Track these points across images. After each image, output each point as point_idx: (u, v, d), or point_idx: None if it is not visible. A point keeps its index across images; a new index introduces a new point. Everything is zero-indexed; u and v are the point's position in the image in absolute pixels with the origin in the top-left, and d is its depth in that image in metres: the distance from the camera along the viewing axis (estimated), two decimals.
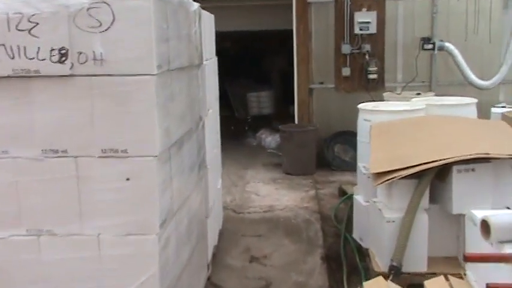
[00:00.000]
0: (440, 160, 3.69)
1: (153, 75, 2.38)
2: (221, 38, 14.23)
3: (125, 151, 2.44)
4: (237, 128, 9.62)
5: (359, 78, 7.21)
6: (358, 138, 5.33)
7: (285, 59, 12.81)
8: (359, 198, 4.55)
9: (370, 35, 7.04)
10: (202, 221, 3.76)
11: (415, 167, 3.73)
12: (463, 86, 7.11)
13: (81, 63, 2.34)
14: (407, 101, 6.09)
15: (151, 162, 2.44)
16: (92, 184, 2.46)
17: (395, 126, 4.66)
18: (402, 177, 3.72)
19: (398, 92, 7.04)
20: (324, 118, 7.50)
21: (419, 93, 6.95)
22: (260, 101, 9.39)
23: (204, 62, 3.80)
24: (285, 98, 10.65)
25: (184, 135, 3.02)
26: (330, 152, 7.35)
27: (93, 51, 2.33)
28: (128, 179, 2.45)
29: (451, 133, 4.29)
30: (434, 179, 3.83)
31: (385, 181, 3.74)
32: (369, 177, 4.29)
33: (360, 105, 5.28)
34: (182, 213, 3.04)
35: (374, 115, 5.00)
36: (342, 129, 7.37)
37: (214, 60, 4.68)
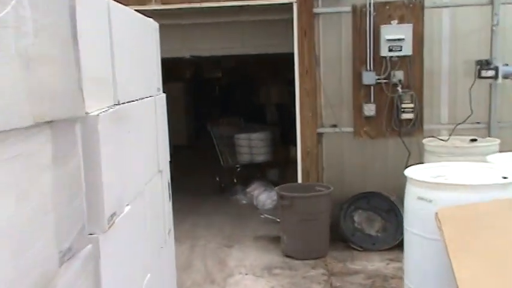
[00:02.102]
0: None
1: None
2: (204, 65, 12.33)
3: None
4: (223, 180, 7.48)
5: (388, 118, 5.13)
6: (406, 225, 3.22)
7: (284, 89, 10.85)
8: None
9: (404, 57, 5.01)
10: None
11: None
12: None
13: None
14: (473, 153, 4.06)
15: None
16: None
17: (488, 218, 2.54)
18: None
19: (445, 138, 4.94)
20: (339, 175, 5.37)
21: (475, 139, 4.87)
22: (251, 146, 7.28)
23: (117, 108, 1.71)
24: (284, 137, 8.63)
25: None
26: (348, 223, 5.19)
27: None
28: None
29: None
30: None
31: None
32: None
33: (410, 172, 3.17)
34: None
35: (440, 192, 2.89)
36: (364, 190, 5.24)
37: (156, 100, 2.59)
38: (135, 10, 2.53)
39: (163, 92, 2.99)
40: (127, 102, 2.01)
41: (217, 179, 7.51)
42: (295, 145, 5.60)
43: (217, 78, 12.89)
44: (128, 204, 1.94)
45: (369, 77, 5.05)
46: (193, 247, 5.23)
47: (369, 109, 5.11)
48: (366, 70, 5.07)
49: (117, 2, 2.18)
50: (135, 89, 2.18)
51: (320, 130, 5.31)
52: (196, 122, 11.93)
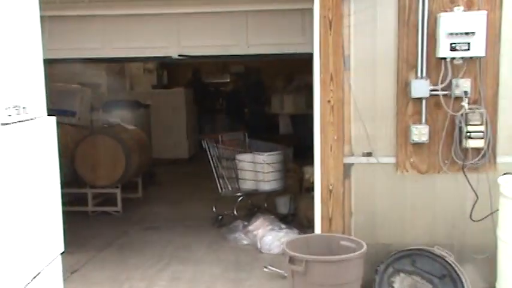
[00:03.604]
0: None
1: None
2: (206, 69, 10.90)
3: None
4: (220, 211, 6.01)
5: (446, 146, 3.63)
6: None
7: (300, 100, 9.43)
8: None
9: (473, 60, 3.51)
10: None
11: None
12: None
13: None
14: None
15: None
16: None
17: None
18: None
19: None
20: (372, 223, 3.86)
21: None
22: (257, 170, 5.80)
23: None
24: (297, 153, 7.15)
25: None
26: None
27: None
28: None
29: None
30: None
31: None
32: None
33: None
34: None
35: None
36: (408, 246, 3.72)
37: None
38: None
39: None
40: None
41: (214, 209, 6.04)
42: (312, 165, 4.10)
43: (224, 84, 11.52)
44: None
45: (421, 88, 3.57)
46: None
47: (420, 132, 3.62)
48: (416, 77, 3.59)
49: None
50: None
51: (348, 160, 3.80)
52: (199, 132, 10.61)
